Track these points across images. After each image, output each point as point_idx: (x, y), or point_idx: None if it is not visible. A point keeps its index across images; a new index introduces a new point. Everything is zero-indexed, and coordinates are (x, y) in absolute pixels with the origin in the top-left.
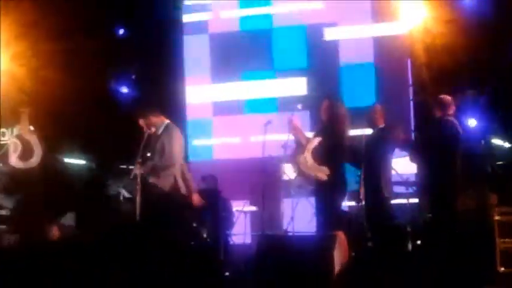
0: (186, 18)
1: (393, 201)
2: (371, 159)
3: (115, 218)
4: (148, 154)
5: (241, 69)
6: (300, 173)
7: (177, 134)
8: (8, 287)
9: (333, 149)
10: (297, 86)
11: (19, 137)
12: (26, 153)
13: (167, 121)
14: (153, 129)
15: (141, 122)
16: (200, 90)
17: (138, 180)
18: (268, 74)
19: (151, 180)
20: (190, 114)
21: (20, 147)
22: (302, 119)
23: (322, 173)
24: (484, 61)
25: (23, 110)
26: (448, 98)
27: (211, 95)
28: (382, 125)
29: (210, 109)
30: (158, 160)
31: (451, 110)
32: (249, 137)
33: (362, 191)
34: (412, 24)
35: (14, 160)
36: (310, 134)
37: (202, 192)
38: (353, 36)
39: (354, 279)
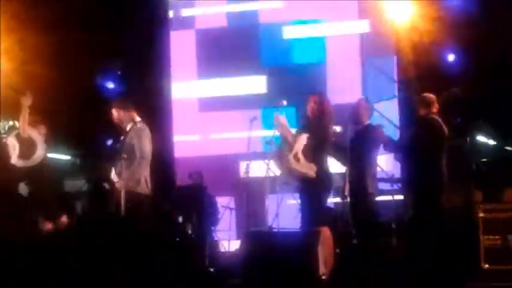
0: (173, 13)
1: (378, 198)
2: (356, 155)
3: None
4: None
5: (228, 65)
6: (286, 170)
7: (146, 131)
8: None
9: (318, 145)
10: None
11: (17, 136)
12: (28, 150)
13: (137, 118)
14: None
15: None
16: (186, 86)
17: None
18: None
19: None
20: (176, 110)
21: (17, 146)
22: (288, 115)
23: (312, 171)
24: (469, 58)
25: (24, 102)
26: (431, 96)
27: (197, 91)
28: (367, 122)
29: (196, 105)
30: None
31: (435, 108)
32: (235, 133)
33: (347, 187)
34: (399, 21)
35: (15, 160)
36: (294, 130)
37: (188, 188)
38: (340, 33)
39: (338, 276)
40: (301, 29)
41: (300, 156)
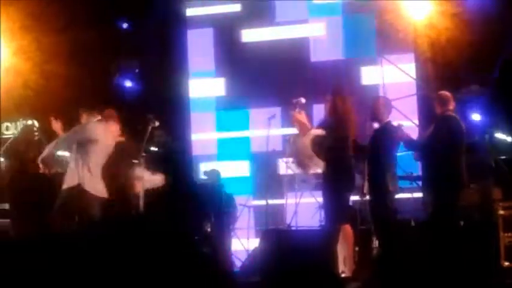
0: (190, 12)
1: (397, 196)
2: (376, 153)
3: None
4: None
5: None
6: (299, 163)
7: None
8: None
9: (337, 142)
10: None
11: None
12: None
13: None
14: None
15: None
16: (204, 84)
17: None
18: None
19: None
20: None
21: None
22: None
23: (319, 164)
24: (488, 55)
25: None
26: (447, 93)
27: (215, 89)
28: (386, 120)
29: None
30: None
31: (451, 106)
32: (253, 132)
33: (366, 185)
34: (417, 18)
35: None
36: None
37: (204, 187)
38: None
39: (357, 274)
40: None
41: (308, 145)
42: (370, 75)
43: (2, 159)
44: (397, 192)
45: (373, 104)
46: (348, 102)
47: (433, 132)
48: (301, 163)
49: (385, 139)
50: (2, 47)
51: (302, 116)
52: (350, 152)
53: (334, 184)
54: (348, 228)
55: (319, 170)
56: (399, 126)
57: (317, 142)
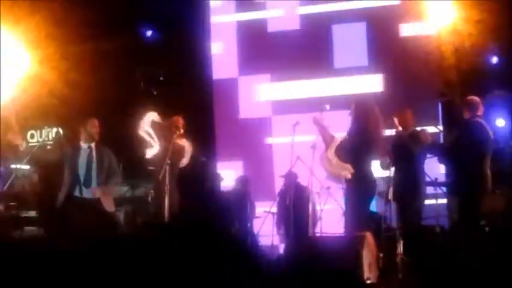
0: (214, 19)
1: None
2: (403, 160)
3: (143, 217)
4: None
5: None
6: (325, 172)
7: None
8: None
9: (360, 148)
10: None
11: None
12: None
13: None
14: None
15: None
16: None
17: (167, 181)
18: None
19: None
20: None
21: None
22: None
23: (346, 171)
24: None
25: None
26: (476, 99)
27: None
28: (412, 127)
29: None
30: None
31: (480, 111)
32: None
33: (391, 191)
34: (441, 24)
35: None
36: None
37: (230, 194)
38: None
39: (383, 281)
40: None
41: (332, 157)
42: None
43: (29, 167)
44: (424, 199)
45: (399, 111)
46: (373, 110)
47: (460, 138)
48: (328, 172)
49: (413, 145)
50: (27, 55)
51: (323, 120)
52: (374, 159)
53: (357, 191)
54: (369, 236)
55: (348, 176)
56: (424, 132)
57: (342, 149)
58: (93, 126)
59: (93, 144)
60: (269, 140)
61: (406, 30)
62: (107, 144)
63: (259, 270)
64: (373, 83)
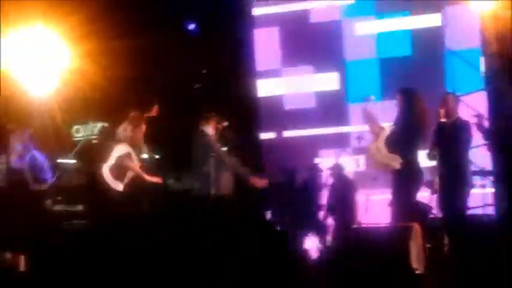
0: (257, 11)
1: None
2: (452, 149)
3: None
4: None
5: (312, 61)
6: (373, 163)
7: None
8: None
9: (407, 138)
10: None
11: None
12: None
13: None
14: None
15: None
16: (271, 83)
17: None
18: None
19: None
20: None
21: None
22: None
23: (395, 162)
24: None
25: None
26: None
27: (283, 88)
28: (457, 115)
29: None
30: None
31: None
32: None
33: (437, 180)
34: (484, 11)
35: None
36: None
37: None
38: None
39: (431, 271)
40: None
41: (382, 147)
42: None
43: (75, 161)
44: (471, 188)
45: (443, 101)
46: (419, 99)
47: (507, 127)
48: (376, 162)
49: (461, 134)
50: (69, 50)
51: (372, 111)
52: (420, 149)
53: (405, 181)
54: (416, 226)
55: (396, 167)
56: (468, 121)
57: (390, 139)
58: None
59: None
60: (313, 131)
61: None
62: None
63: (305, 263)
64: None
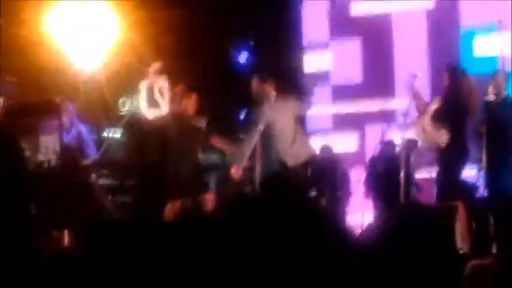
0: None
1: None
2: (497, 127)
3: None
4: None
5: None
6: (420, 139)
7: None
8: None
9: (455, 115)
10: None
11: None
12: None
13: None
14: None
15: None
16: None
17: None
18: None
19: None
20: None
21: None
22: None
23: (441, 137)
24: None
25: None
26: None
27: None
28: (506, 93)
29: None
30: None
31: None
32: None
33: (484, 159)
34: None
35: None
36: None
37: (322, 162)
38: None
39: (475, 251)
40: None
41: (428, 122)
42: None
43: (121, 135)
44: None
45: (492, 78)
46: (465, 77)
47: None
48: (423, 138)
49: (510, 112)
50: (117, 22)
51: (417, 88)
52: (467, 125)
53: (451, 158)
54: (463, 204)
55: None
56: None
57: (437, 116)
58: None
59: None
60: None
61: None
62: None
63: (348, 242)
64: None
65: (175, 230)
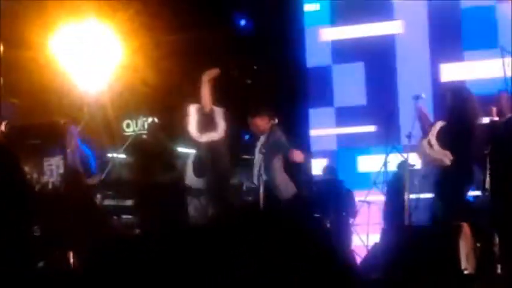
0: (307, 6)
1: None
2: (502, 148)
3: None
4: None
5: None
6: (425, 159)
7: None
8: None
9: (459, 136)
10: None
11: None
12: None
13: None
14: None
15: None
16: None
17: (262, 171)
18: None
19: None
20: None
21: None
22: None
23: (446, 158)
24: None
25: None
26: None
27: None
28: (510, 114)
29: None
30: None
31: None
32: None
33: (488, 180)
34: None
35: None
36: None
37: (324, 183)
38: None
39: (481, 272)
40: None
41: (434, 142)
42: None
43: (125, 156)
44: None
45: (498, 99)
46: (470, 98)
47: None
48: (427, 158)
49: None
50: (120, 45)
51: (424, 108)
52: (471, 146)
53: (455, 178)
54: (467, 225)
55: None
56: None
57: (442, 135)
58: None
59: None
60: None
61: None
62: None
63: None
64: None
65: (178, 248)
